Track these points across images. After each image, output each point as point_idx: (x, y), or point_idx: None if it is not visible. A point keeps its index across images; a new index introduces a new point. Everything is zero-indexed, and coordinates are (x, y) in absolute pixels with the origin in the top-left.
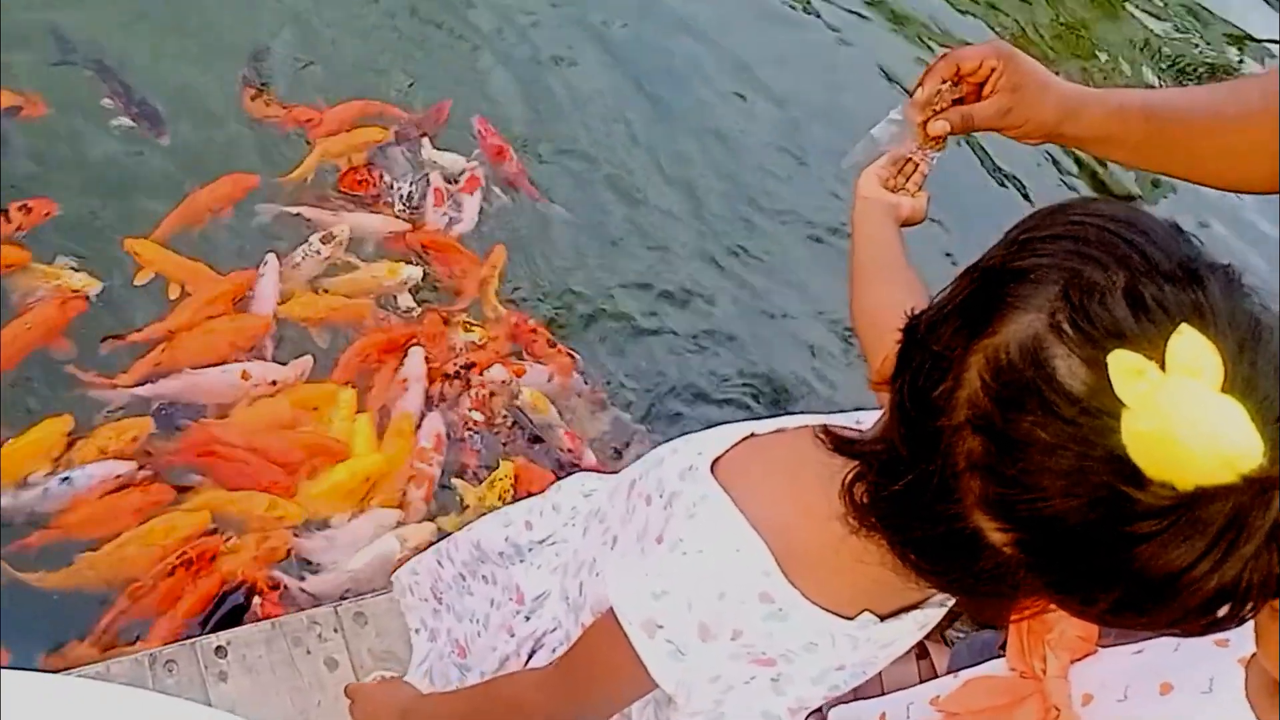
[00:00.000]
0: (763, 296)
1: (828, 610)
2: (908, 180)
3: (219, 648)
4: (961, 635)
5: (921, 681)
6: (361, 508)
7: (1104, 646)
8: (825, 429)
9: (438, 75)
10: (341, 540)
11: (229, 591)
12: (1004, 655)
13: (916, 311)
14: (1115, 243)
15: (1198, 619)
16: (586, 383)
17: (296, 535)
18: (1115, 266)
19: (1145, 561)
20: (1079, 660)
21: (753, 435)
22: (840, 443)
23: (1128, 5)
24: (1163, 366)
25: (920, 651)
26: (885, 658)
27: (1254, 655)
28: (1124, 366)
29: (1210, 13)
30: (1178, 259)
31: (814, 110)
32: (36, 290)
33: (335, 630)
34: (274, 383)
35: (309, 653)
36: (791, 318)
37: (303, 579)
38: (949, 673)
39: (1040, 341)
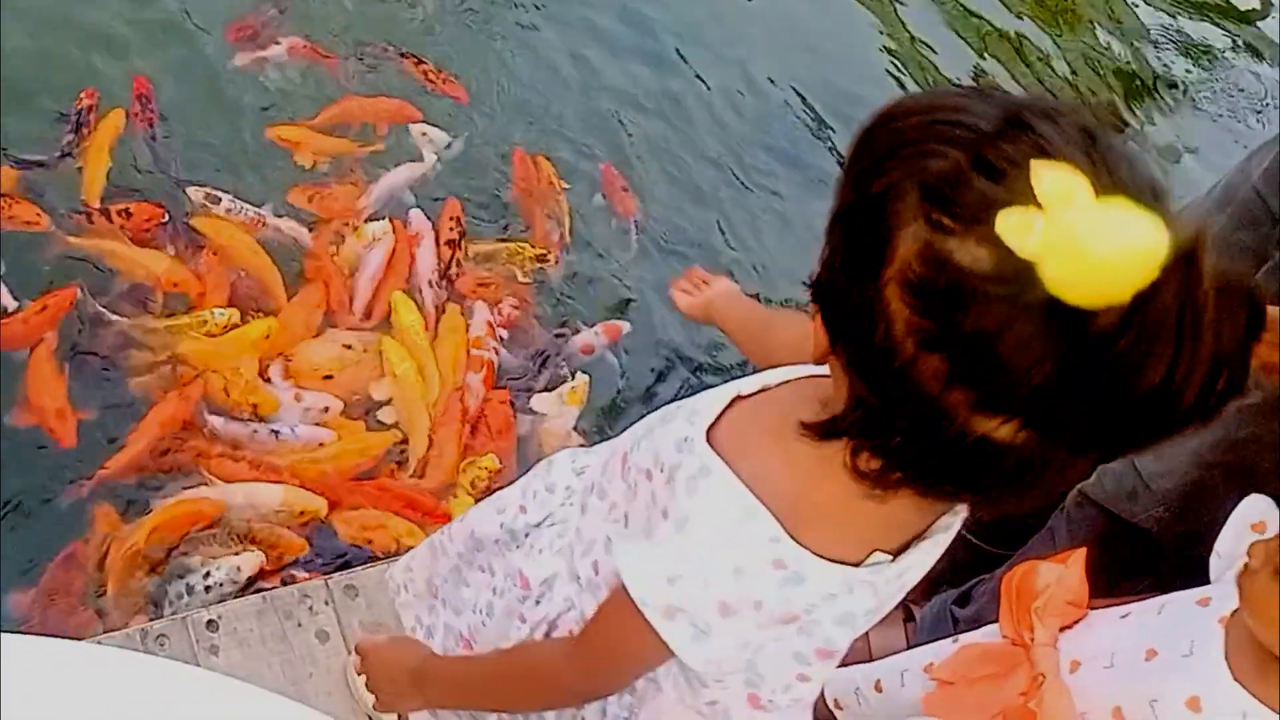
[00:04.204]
0: None
1: (840, 562)
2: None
3: (210, 621)
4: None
5: (909, 645)
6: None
7: (1092, 608)
8: (804, 425)
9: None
10: None
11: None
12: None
13: (812, 278)
14: (936, 130)
15: (1203, 410)
16: None
17: None
18: (950, 149)
19: (1135, 382)
20: (1070, 627)
21: (739, 397)
22: (825, 430)
23: None
24: (1040, 208)
25: (906, 614)
26: (901, 589)
27: (1233, 614)
28: (1012, 227)
29: None
30: (995, 116)
31: None
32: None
33: (326, 603)
34: (325, 409)
35: (300, 626)
36: None
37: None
38: (923, 641)
39: (932, 245)
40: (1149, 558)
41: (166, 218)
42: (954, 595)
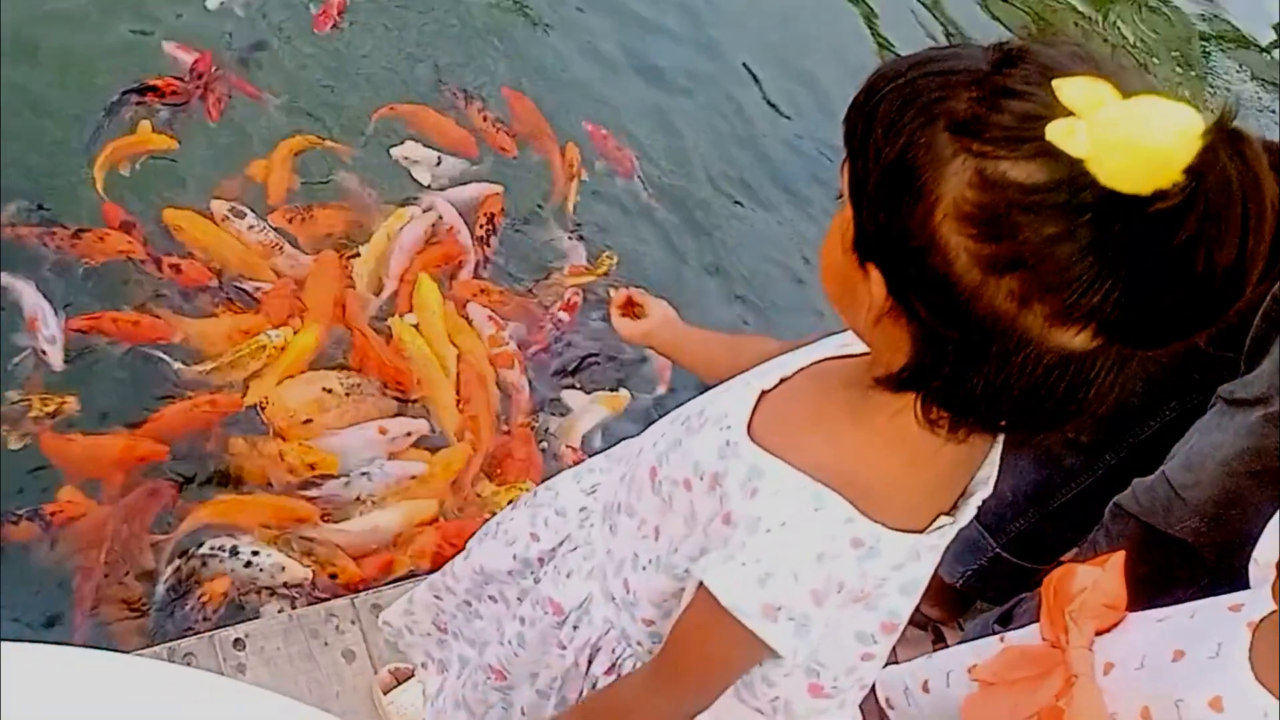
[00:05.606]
0: None
1: (908, 531)
2: (639, 304)
3: (237, 640)
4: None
5: None
6: None
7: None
8: (876, 380)
9: None
10: None
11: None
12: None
13: (848, 246)
14: (937, 80)
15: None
16: None
17: None
18: (960, 89)
19: (1211, 259)
20: (1108, 631)
21: (764, 393)
22: (900, 381)
23: None
24: (1074, 115)
25: (935, 636)
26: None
27: (1263, 620)
28: (1059, 134)
29: None
30: (988, 55)
31: None
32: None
33: (352, 622)
34: (409, 434)
35: (326, 645)
36: None
37: None
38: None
39: (984, 171)
40: (1190, 567)
41: (214, 280)
42: (996, 614)
